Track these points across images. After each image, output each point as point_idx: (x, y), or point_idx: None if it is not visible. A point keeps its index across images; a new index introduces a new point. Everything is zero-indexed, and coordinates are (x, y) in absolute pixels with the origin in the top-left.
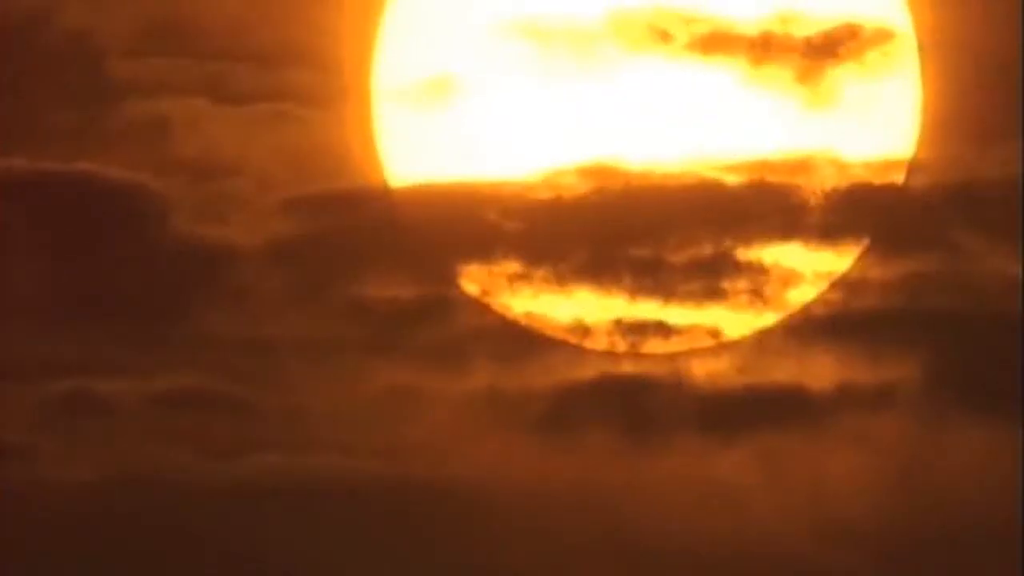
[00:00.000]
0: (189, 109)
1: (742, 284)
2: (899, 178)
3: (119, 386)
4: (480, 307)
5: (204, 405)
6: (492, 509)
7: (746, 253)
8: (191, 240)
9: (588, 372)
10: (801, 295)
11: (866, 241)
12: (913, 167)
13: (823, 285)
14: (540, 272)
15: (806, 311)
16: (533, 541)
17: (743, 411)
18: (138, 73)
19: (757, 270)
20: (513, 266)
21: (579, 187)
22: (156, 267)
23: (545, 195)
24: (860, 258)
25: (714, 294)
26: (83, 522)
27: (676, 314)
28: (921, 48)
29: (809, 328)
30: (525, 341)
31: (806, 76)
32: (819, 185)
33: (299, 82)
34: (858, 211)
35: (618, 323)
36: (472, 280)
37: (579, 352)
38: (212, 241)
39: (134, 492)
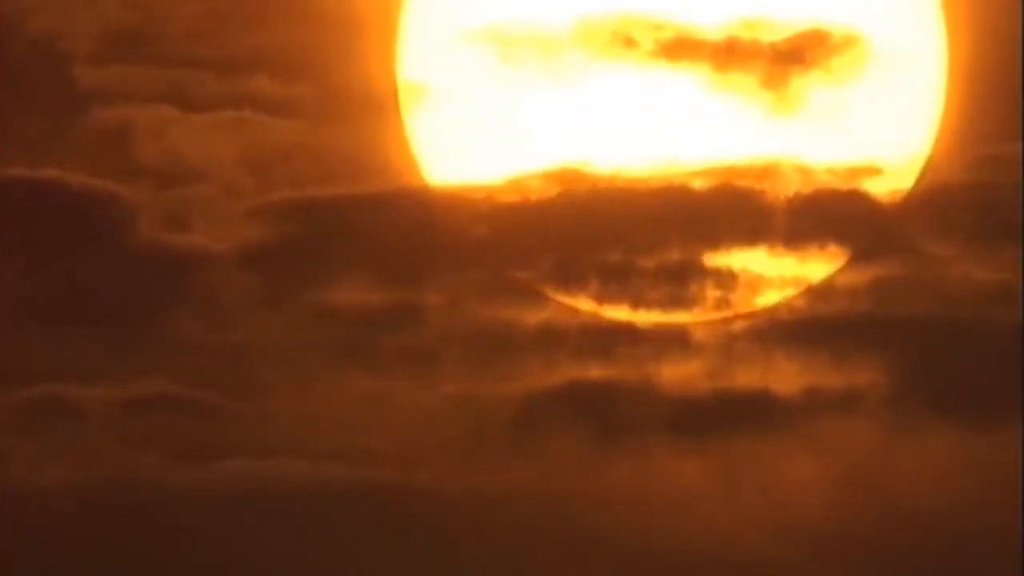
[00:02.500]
0: (154, 116)
1: (710, 289)
2: (864, 184)
3: (90, 391)
4: (448, 313)
5: (175, 410)
6: (460, 513)
7: (714, 258)
8: (158, 246)
9: (557, 378)
10: (768, 300)
11: (833, 248)
12: (880, 173)
13: (790, 290)
14: (508, 277)
15: (773, 316)
16: (501, 545)
17: (711, 416)
18: (103, 80)
19: (725, 275)
20: (481, 271)
21: (546, 192)
22: (124, 273)
23: (512, 200)
24: (828, 264)
25: (682, 299)
26: (56, 526)
27: (644, 319)
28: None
29: (777, 333)
30: (493, 347)
31: (772, 82)
32: (784, 191)
33: (263, 89)
34: (823, 217)
35: (586, 328)
36: (440, 285)
37: (548, 358)
38: (179, 247)
39: (106, 496)
